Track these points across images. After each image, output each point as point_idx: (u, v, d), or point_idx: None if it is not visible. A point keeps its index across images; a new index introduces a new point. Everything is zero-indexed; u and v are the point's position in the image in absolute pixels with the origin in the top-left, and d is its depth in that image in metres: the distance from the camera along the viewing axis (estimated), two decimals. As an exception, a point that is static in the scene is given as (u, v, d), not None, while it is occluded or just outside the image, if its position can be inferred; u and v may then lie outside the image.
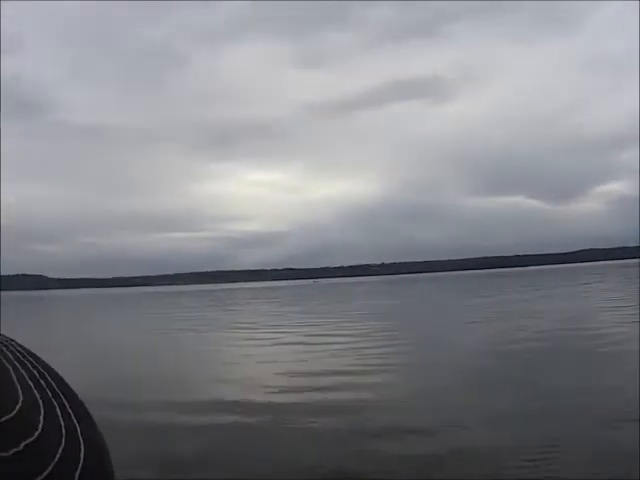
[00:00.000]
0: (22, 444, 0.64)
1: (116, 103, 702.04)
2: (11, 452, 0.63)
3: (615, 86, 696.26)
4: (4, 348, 0.76)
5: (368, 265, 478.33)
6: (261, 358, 19.39)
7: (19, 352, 0.77)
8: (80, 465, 0.67)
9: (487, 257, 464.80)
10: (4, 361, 0.73)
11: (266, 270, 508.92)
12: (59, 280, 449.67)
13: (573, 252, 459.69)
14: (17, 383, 0.70)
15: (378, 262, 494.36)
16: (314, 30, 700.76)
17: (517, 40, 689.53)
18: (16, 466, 0.63)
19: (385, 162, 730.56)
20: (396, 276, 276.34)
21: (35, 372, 0.74)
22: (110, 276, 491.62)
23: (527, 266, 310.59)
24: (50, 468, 0.64)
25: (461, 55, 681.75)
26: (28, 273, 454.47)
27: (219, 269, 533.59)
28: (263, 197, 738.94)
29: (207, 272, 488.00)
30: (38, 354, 0.79)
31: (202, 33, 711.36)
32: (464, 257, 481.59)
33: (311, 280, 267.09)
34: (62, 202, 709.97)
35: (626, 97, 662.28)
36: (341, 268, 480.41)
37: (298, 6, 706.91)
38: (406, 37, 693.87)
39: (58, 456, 0.65)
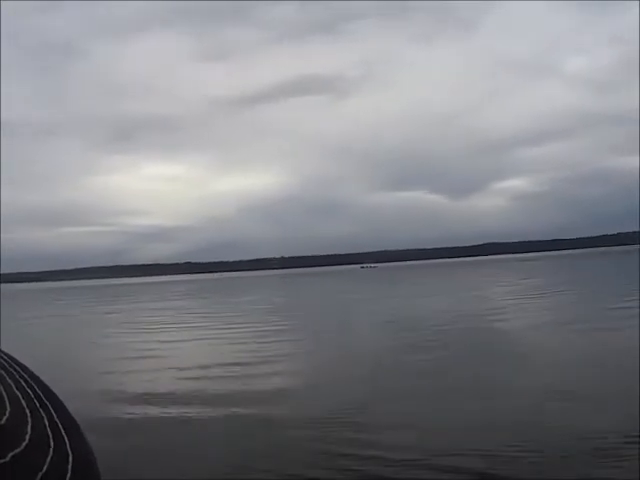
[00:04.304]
0: (9, 455, 0.63)
1: (16, 97, 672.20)
2: None
3: (513, 86, 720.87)
4: None
5: (268, 259, 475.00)
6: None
7: (6, 361, 0.75)
8: (68, 476, 0.66)
9: (389, 251, 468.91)
10: None
11: (167, 264, 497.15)
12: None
13: (475, 246, 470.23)
14: (4, 393, 0.69)
15: (278, 256, 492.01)
16: (217, 26, 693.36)
17: (418, 39, 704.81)
18: (3, 477, 0.61)
19: (288, 157, 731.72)
20: (296, 270, 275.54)
21: (22, 382, 0.72)
22: (8, 271, 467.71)
23: (430, 259, 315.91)
24: (38, 479, 0.63)
25: (363, 53, 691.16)
26: None
27: (120, 263, 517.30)
28: (166, 191, 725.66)
29: (108, 267, 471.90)
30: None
31: (104, 26, 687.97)
32: (366, 251, 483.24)
33: (214, 274, 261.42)
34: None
35: (523, 96, 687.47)
36: (241, 262, 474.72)
37: (201, 1, 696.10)
38: (309, 34, 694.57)
39: (46, 467, 0.64)
